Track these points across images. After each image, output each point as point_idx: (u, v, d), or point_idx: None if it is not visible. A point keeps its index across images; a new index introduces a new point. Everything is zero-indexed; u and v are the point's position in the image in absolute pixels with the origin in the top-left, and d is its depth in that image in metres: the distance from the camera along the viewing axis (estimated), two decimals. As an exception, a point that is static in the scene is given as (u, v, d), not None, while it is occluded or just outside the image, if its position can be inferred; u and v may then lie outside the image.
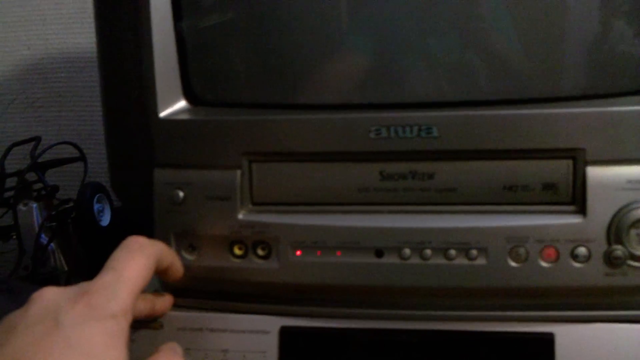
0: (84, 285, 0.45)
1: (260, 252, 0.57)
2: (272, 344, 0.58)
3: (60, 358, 0.40)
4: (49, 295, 0.44)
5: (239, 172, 0.56)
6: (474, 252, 0.54)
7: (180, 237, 0.57)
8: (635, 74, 0.54)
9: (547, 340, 0.55)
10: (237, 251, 0.57)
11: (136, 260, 0.47)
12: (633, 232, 0.53)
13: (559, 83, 0.55)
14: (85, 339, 0.42)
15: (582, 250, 0.53)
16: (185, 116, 0.57)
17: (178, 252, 0.58)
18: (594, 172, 0.53)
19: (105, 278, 0.45)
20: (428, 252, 0.55)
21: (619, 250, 0.53)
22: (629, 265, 0.53)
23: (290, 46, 0.57)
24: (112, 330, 0.43)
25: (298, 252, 0.56)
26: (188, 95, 0.58)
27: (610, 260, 0.53)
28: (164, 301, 0.55)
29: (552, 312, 0.56)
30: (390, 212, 0.55)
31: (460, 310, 0.56)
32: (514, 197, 0.55)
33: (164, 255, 0.52)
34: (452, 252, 0.54)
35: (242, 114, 0.56)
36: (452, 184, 0.55)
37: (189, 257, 0.57)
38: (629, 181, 0.53)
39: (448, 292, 0.55)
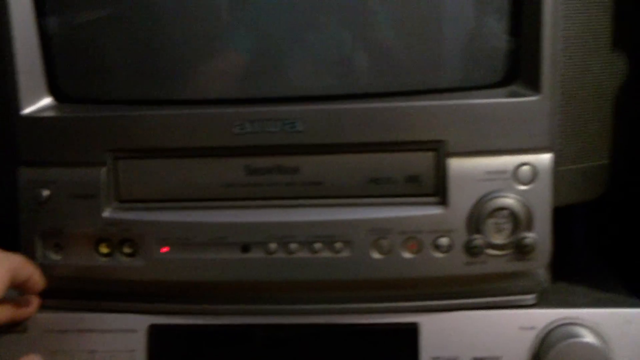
0: None
1: (126, 250, 0.56)
2: (140, 342, 0.57)
3: None
4: None
5: (104, 169, 0.55)
6: (339, 244, 0.54)
7: (46, 236, 0.56)
8: (493, 68, 0.55)
9: (411, 330, 0.56)
10: (103, 249, 0.56)
11: None
12: (491, 221, 0.54)
13: (420, 77, 0.56)
14: None
15: (443, 240, 0.54)
16: (49, 113, 0.56)
17: (44, 251, 0.56)
18: (455, 164, 0.54)
19: None
20: (293, 246, 0.55)
21: (478, 239, 0.54)
22: (487, 254, 0.54)
23: (153, 44, 0.56)
24: None
25: (164, 249, 0.55)
26: (54, 91, 0.56)
27: (470, 249, 0.54)
28: (28, 305, 0.54)
29: (416, 302, 0.56)
30: (256, 207, 0.55)
31: (326, 304, 0.57)
32: (378, 189, 0.55)
33: (21, 268, 0.51)
34: (317, 245, 0.55)
35: (107, 111, 0.55)
36: (318, 177, 0.55)
37: (54, 256, 0.57)
38: (488, 172, 0.54)
39: (313, 285, 0.56)
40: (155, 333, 0.57)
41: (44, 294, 0.57)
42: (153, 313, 0.58)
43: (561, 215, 0.60)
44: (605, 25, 0.55)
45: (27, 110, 0.56)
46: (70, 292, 0.58)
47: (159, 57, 0.56)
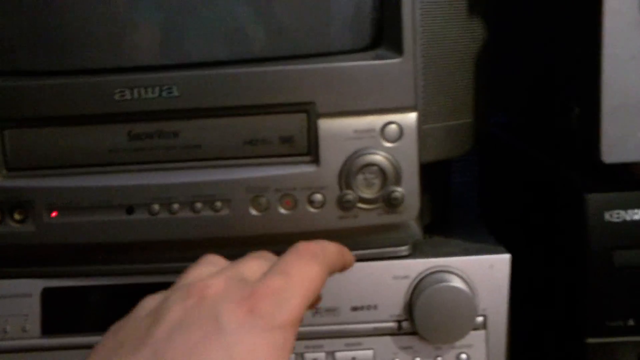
0: (246, 285, 0.40)
1: (17, 216, 0.59)
2: (34, 306, 0.60)
3: None
4: (208, 296, 0.39)
5: (-9, 138, 0.58)
6: (219, 203, 0.58)
7: None
8: (360, 33, 0.59)
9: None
10: (-7, 216, 0.58)
11: (310, 267, 0.42)
12: (360, 177, 0.57)
13: (291, 43, 0.59)
14: (247, 351, 0.36)
15: (317, 196, 0.58)
16: None
17: None
18: (325, 124, 0.57)
19: (275, 283, 0.40)
20: (175, 206, 0.58)
21: (349, 194, 0.57)
22: (359, 208, 0.58)
23: (36, 14, 0.59)
24: (277, 343, 0.37)
25: (53, 214, 0.58)
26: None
27: (342, 204, 0.58)
28: None
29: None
30: (139, 170, 0.58)
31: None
32: (255, 150, 0.58)
33: (336, 263, 0.47)
34: (198, 205, 0.58)
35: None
36: (197, 141, 0.58)
37: (-56, 224, 0.58)
38: (355, 131, 0.57)
39: (196, 243, 0.59)
40: (49, 296, 0.59)
41: None
42: (46, 277, 0.60)
43: (440, 173, 0.64)
44: (460, -6, 0.59)
45: None
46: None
47: (42, 27, 0.58)
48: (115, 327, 0.42)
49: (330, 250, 0.46)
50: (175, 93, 0.57)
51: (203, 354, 0.35)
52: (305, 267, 0.42)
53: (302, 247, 0.44)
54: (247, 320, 0.37)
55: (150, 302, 0.42)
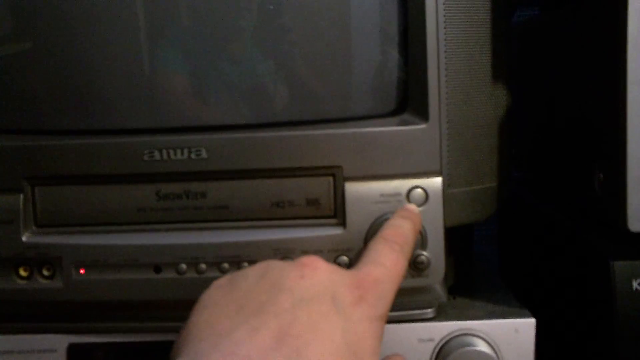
0: (353, 273, 0.41)
1: (45, 272, 0.59)
2: (60, 363, 0.60)
3: (333, 348, 0.36)
4: (322, 274, 0.40)
5: (21, 195, 0.59)
6: (245, 264, 0.58)
7: (-36, 260, 0.59)
8: (385, 99, 0.60)
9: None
10: (22, 273, 0.59)
11: (400, 260, 0.44)
12: (386, 240, 0.58)
13: (318, 108, 0.60)
14: (358, 339, 0.38)
15: (343, 258, 0.58)
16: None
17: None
18: (351, 188, 0.58)
19: (376, 274, 0.42)
20: (203, 266, 0.58)
21: (375, 257, 0.58)
22: (384, 271, 0.58)
23: (67, 75, 0.60)
24: (379, 334, 0.40)
25: (82, 271, 0.59)
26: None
27: (368, 267, 0.58)
28: None
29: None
30: (167, 230, 0.59)
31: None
32: (282, 212, 0.59)
33: (413, 250, 0.48)
34: (225, 265, 0.58)
35: (22, 140, 0.59)
36: (224, 201, 0.59)
37: (-26, 280, 0.59)
38: (382, 195, 0.58)
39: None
40: (75, 352, 0.60)
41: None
42: (72, 332, 0.61)
43: (463, 236, 0.64)
44: (484, 61, 0.60)
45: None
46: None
47: (72, 88, 0.60)
48: (224, 284, 0.42)
49: (411, 238, 0.48)
50: (204, 155, 0.58)
51: (324, 330, 0.37)
52: (396, 258, 0.44)
53: (389, 234, 0.46)
54: (359, 308, 0.39)
55: (258, 269, 0.42)
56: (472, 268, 0.71)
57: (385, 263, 0.43)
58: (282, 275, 0.40)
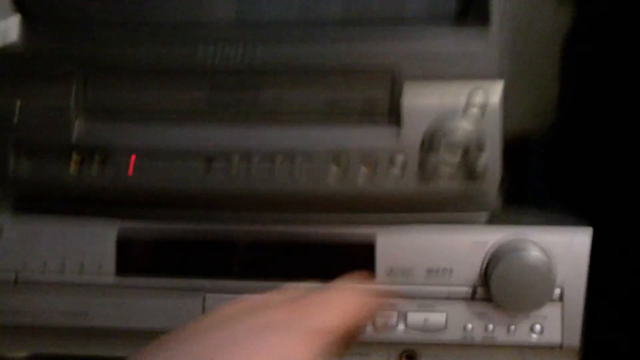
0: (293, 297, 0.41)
1: (97, 159, 0.59)
2: (110, 245, 0.61)
3: None
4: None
5: (74, 84, 0.58)
6: (299, 157, 0.57)
7: (18, 148, 0.59)
8: (448, 2, 0.57)
9: (368, 242, 0.59)
10: (74, 160, 0.59)
11: (348, 294, 0.43)
12: (444, 142, 0.56)
13: (381, 6, 0.58)
14: (285, 349, 0.37)
15: (399, 158, 0.57)
16: (20, 30, 0.58)
17: (16, 163, 0.59)
18: (410, 88, 0.56)
19: (316, 295, 0.42)
20: (255, 158, 0.57)
21: (431, 158, 0.56)
22: (441, 172, 0.57)
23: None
24: (314, 348, 0.37)
25: (133, 159, 0.58)
26: (22, 10, 0.58)
27: (424, 167, 0.57)
28: None
29: (373, 214, 0.59)
30: (219, 120, 0.58)
31: (289, 214, 0.59)
32: (337, 111, 0.57)
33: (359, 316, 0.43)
34: (279, 157, 0.57)
35: (76, 30, 0.58)
36: (278, 98, 0.57)
37: (26, 168, 0.59)
38: (441, 96, 0.56)
39: (274, 197, 0.58)
40: (124, 235, 0.60)
41: (18, 199, 0.60)
42: (122, 218, 0.61)
43: (519, 146, 0.63)
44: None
45: (-3, 26, 0.57)
46: (41, 207, 0.61)
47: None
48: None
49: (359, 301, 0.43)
50: (258, 52, 0.56)
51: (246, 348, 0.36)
52: (344, 293, 0.42)
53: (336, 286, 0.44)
54: (289, 320, 0.38)
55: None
56: (527, 175, 0.70)
57: (330, 291, 0.43)
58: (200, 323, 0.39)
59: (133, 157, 0.58)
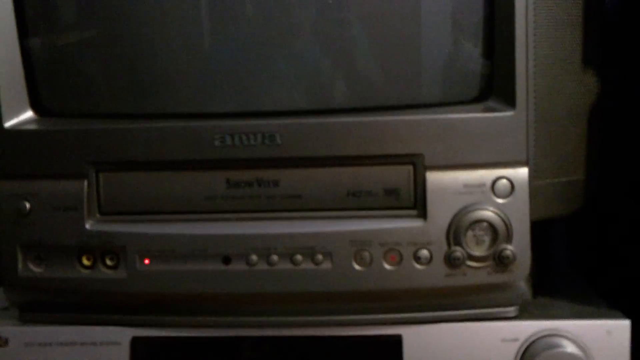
0: None
1: (108, 262, 0.56)
2: (123, 355, 0.57)
3: None
4: None
5: (85, 181, 0.56)
6: (320, 256, 0.55)
7: (27, 248, 0.57)
8: (468, 84, 0.56)
9: (395, 342, 0.56)
10: (85, 262, 0.57)
11: None
12: (470, 233, 0.54)
13: (397, 93, 0.57)
14: None
15: (424, 252, 0.55)
16: (31, 126, 0.57)
17: (25, 264, 0.57)
18: (433, 177, 0.55)
19: None
20: (274, 257, 0.55)
21: (458, 251, 0.54)
22: (468, 266, 0.54)
23: (135, 59, 0.57)
24: None
25: (146, 261, 0.56)
26: (35, 106, 0.58)
27: (450, 261, 0.54)
28: None
29: (399, 314, 0.56)
30: (237, 219, 0.56)
31: (309, 316, 0.57)
32: (358, 202, 0.56)
33: None
34: (298, 257, 0.55)
35: (88, 124, 0.57)
36: (297, 190, 0.56)
37: (36, 269, 0.57)
38: (465, 185, 0.55)
39: (295, 297, 0.56)
40: (139, 346, 0.57)
41: (24, 308, 0.57)
42: (136, 325, 0.58)
43: (541, 232, 0.61)
44: (575, 45, 0.56)
45: (9, 123, 0.56)
46: (51, 306, 0.58)
47: (140, 72, 0.57)
48: None
49: None
50: (278, 141, 0.55)
51: None
52: None
53: None
54: None
55: None
56: (550, 265, 0.67)
57: None
58: None
59: (146, 261, 0.56)
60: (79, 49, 0.59)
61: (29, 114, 0.58)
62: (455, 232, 0.54)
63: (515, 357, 0.56)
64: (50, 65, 0.58)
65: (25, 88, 0.57)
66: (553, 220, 0.62)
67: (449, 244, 0.54)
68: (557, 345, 0.54)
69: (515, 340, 0.56)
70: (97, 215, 0.57)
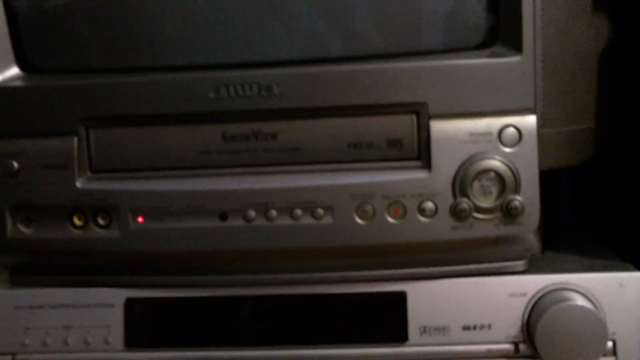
0: None
1: (100, 221, 0.54)
2: (117, 317, 0.55)
3: None
4: None
5: (75, 139, 0.54)
6: (320, 210, 0.53)
7: (16, 209, 0.55)
8: (473, 29, 0.54)
9: (399, 299, 0.54)
10: (76, 221, 0.55)
11: None
12: (476, 184, 0.52)
13: (399, 39, 0.54)
14: None
15: (428, 204, 0.52)
16: (17, 83, 0.54)
17: (14, 225, 0.54)
18: (437, 126, 0.52)
19: None
20: (273, 212, 0.53)
21: (464, 202, 0.52)
22: (474, 218, 0.52)
23: (124, 9, 0.55)
24: None
25: (140, 219, 0.53)
26: (21, 62, 0.55)
27: (456, 213, 0.52)
28: None
29: (403, 270, 0.54)
30: (233, 174, 0.54)
31: (310, 272, 0.55)
32: (359, 154, 0.54)
33: None
34: (298, 211, 0.53)
35: (76, 79, 0.54)
36: (296, 143, 0.54)
37: (25, 230, 0.55)
38: (471, 134, 0.52)
39: (295, 253, 0.54)
40: (133, 307, 0.55)
41: (15, 270, 0.55)
42: (130, 286, 0.56)
43: (549, 184, 0.58)
44: (585, -14, 0.54)
45: (-5, 81, 0.54)
46: (42, 268, 0.56)
47: (129, 23, 0.55)
48: None
49: None
50: (276, 91, 0.52)
51: None
52: None
53: None
54: None
55: None
56: (559, 218, 0.65)
57: None
58: None
59: (140, 219, 0.53)
60: (66, 2, 0.56)
61: (14, 70, 0.55)
62: (461, 183, 0.52)
63: (524, 312, 0.54)
64: (36, 20, 0.56)
65: (10, 44, 0.55)
66: (559, 171, 0.60)
67: (454, 196, 0.52)
68: (567, 299, 0.52)
69: (524, 295, 0.54)
70: (88, 173, 0.54)
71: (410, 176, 0.53)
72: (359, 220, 0.53)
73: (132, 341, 0.56)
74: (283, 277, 0.55)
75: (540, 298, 0.53)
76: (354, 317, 0.55)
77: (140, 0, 0.55)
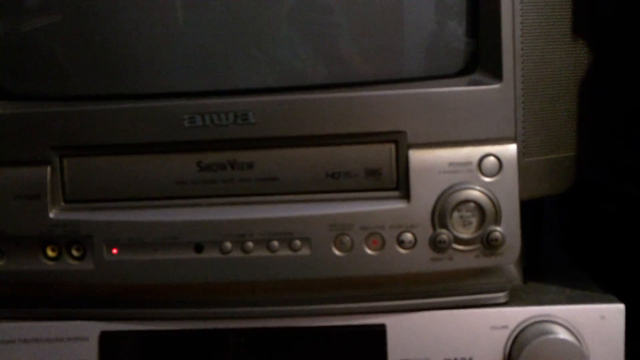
0: None
1: (74, 252, 0.53)
2: (91, 351, 0.54)
3: None
4: None
5: (49, 167, 0.53)
6: (297, 242, 0.52)
7: (-13, 241, 0.53)
8: (452, 57, 0.53)
9: (379, 332, 0.53)
10: (50, 253, 0.53)
11: None
12: (456, 214, 0.51)
13: (377, 67, 0.54)
14: None
15: (407, 236, 0.52)
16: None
17: (-15, 257, 0.53)
18: (416, 156, 0.52)
19: None
20: (250, 244, 0.52)
21: (443, 234, 0.51)
22: (454, 249, 0.52)
23: (99, 37, 0.54)
24: None
25: (114, 251, 0.52)
26: (-3, 88, 0.54)
27: (436, 244, 0.52)
28: None
29: (383, 302, 0.54)
30: (209, 204, 0.53)
31: (286, 306, 0.54)
32: (337, 184, 0.53)
33: None
34: (275, 243, 0.52)
35: (50, 107, 0.53)
36: (273, 173, 0.53)
37: (-3, 263, 0.53)
38: (451, 164, 0.52)
39: (272, 286, 0.53)
40: (107, 340, 0.54)
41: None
42: (104, 319, 0.55)
43: (531, 213, 0.58)
44: (564, 13, 0.53)
45: (-33, 108, 0.53)
46: (14, 300, 0.55)
47: (103, 51, 0.54)
48: None
49: None
50: (251, 120, 0.52)
51: None
52: None
53: None
54: None
55: None
56: (542, 248, 0.64)
57: None
58: None
59: (114, 251, 0.52)
60: (37, 30, 0.55)
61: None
62: (440, 214, 0.51)
63: (505, 345, 0.53)
64: (8, 45, 0.55)
65: (-17, 70, 0.54)
66: (543, 200, 0.59)
67: (434, 227, 0.51)
68: (549, 332, 0.51)
69: (505, 327, 0.53)
70: (62, 203, 0.53)
71: (388, 207, 0.52)
72: (336, 252, 0.52)
73: (107, 375, 0.54)
74: (260, 310, 0.54)
75: (522, 331, 0.53)
76: (333, 350, 0.54)
77: (115, 28, 0.54)
